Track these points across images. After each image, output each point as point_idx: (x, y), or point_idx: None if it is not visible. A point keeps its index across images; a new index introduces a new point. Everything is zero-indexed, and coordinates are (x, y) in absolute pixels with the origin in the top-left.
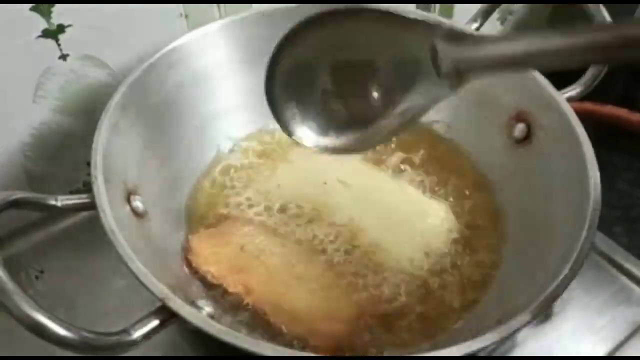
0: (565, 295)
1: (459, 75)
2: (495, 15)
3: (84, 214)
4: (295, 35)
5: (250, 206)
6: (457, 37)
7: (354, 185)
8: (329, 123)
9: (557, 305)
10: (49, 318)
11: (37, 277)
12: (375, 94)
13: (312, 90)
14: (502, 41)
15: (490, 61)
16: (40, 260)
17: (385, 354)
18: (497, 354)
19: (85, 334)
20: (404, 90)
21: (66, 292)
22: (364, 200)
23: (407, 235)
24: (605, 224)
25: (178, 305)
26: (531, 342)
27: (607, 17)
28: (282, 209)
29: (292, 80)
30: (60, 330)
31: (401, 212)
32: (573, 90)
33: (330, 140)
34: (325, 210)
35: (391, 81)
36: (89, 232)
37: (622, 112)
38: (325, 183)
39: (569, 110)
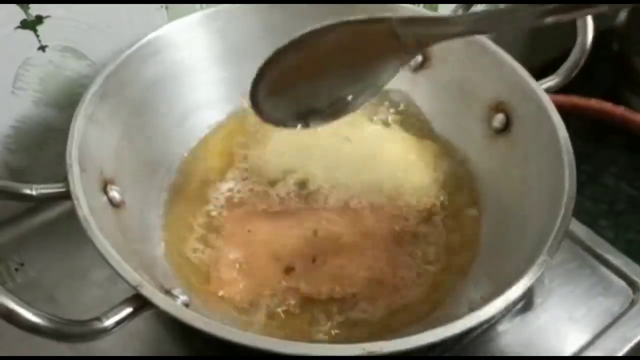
0: (546, 285)
1: (418, 45)
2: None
3: (65, 206)
4: (280, 51)
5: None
6: (409, 21)
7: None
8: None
9: (538, 295)
10: (20, 305)
11: (17, 270)
12: (348, 81)
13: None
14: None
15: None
16: (21, 253)
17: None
18: (478, 342)
19: (57, 320)
20: (375, 70)
21: (47, 285)
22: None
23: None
24: (590, 218)
25: (151, 292)
26: (512, 331)
27: (590, 22)
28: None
29: (276, 83)
30: (32, 317)
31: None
32: (551, 81)
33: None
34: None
35: (364, 67)
36: (70, 224)
37: (607, 106)
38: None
39: (546, 100)
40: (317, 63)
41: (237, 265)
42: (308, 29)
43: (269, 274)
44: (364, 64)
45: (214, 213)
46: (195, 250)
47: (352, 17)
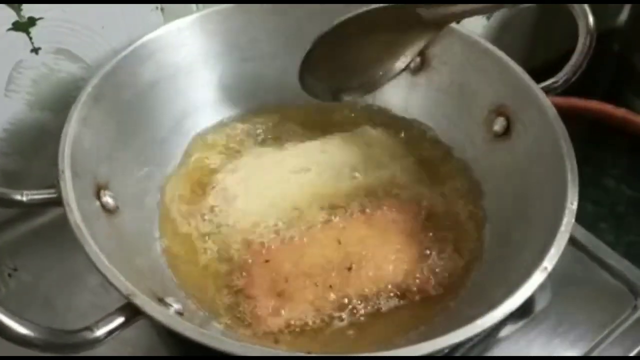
0: (547, 290)
1: (436, 24)
2: None
3: (59, 210)
4: (326, 33)
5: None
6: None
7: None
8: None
9: (539, 300)
10: (8, 316)
11: (10, 275)
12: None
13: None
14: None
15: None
16: (14, 258)
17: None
18: (479, 348)
19: (47, 331)
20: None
21: (40, 290)
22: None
23: None
24: (591, 221)
25: (143, 302)
26: (513, 336)
27: (591, 18)
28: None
29: (319, 63)
30: (20, 329)
31: None
32: (553, 83)
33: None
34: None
35: (394, 47)
36: (64, 229)
37: (607, 108)
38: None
39: (547, 104)
40: (356, 45)
41: (274, 295)
42: (350, 14)
43: (311, 295)
44: (394, 44)
45: (213, 218)
46: (193, 255)
47: (381, 5)
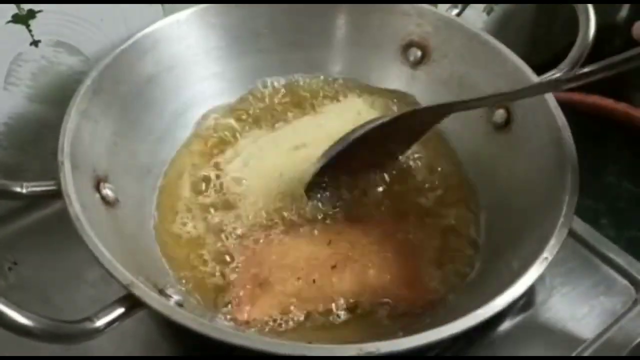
0: (547, 284)
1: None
2: (482, 6)
3: (59, 204)
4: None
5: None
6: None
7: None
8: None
9: (539, 294)
10: (8, 306)
11: (10, 269)
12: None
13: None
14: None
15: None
16: (14, 252)
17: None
18: (478, 341)
19: (46, 321)
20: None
21: (40, 284)
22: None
23: None
24: (591, 216)
25: (143, 292)
26: (512, 330)
27: (593, 17)
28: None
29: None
30: (20, 318)
31: None
32: (553, 76)
33: None
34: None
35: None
36: (64, 222)
37: (608, 103)
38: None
39: (548, 96)
40: (360, 155)
41: (255, 285)
42: (356, 133)
43: (290, 288)
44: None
45: (210, 213)
46: (191, 248)
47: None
